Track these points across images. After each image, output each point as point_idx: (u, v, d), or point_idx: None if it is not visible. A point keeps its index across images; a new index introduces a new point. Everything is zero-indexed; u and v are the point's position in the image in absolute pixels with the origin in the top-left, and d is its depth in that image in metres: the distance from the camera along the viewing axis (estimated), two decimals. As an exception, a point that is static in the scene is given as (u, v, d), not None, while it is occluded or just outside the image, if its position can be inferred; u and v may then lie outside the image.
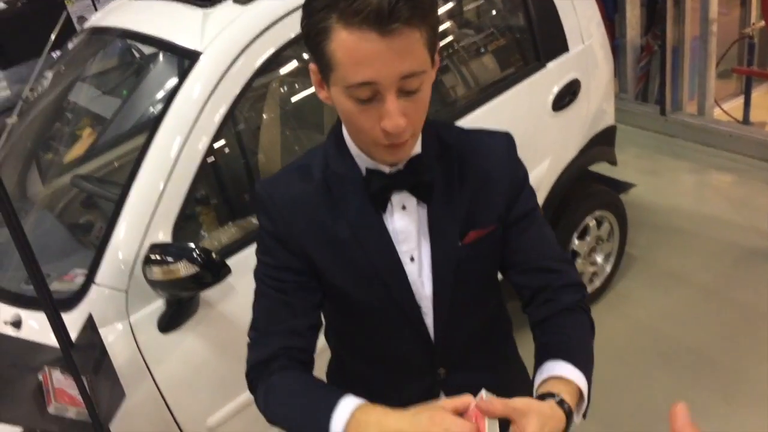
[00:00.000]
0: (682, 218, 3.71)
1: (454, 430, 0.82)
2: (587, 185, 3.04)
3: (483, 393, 0.88)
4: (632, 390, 2.74)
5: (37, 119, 2.71)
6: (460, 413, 0.86)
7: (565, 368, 1.01)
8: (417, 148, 1.06)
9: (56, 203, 2.54)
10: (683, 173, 4.19)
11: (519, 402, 0.88)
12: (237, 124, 2.95)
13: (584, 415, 1.03)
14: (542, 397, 0.96)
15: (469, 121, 2.44)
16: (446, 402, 0.87)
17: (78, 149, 2.86)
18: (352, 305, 1.12)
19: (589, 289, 3.18)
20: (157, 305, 1.82)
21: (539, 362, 1.06)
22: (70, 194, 2.55)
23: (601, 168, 3.21)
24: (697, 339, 2.91)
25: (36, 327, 1.78)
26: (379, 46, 0.86)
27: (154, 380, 1.81)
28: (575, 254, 3.03)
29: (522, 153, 2.84)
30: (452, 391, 1.19)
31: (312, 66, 0.99)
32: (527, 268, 1.15)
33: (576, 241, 3.00)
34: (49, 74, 2.73)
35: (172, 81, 2.14)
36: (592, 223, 3.03)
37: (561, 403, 0.95)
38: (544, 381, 1.01)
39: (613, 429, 2.58)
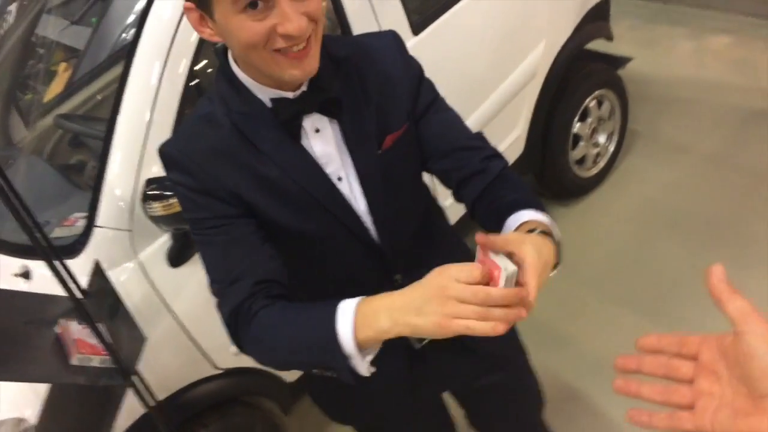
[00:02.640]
0: (683, 87, 3.63)
1: (462, 275, 0.81)
2: (584, 65, 2.94)
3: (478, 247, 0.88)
4: (643, 264, 2.76)
5: (8, 59, 2.59)
6: None
7: (530, 213, 1.01)
8: None
9: (44, 146, 2.46)
10: (680, 40, 4.06)
11: (512, 235, 0.91)
12: (216, 41, 2.83)
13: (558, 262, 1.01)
14: None
15: (458, 10, 2.32)
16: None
17: (56, 86, 2.76)
18: (298, 239, 1.09)
19: (594, 170, 3.15)
20: (164, 240, 1.79)
21: (498, 223, 1.05)
22: (57, 135, 2.47)
23: (596, 45, 3.09)
24: (705, 207, 2.91)
25: (48, 275, 1.75)
26: None
27: (173, 314, 1.81)
28: (577, 138, 2.97)
29: (516, 38, 2.74)
30: None
31: (186, 4, 0.94)
32: (446, 151, 1.15)
33: (577, 125, 2.94)
34: (12, 10, 2.58)
35: (141, 2, 2.02)
36: (592, 104, 2.95)
37: (545, 234, 0.95)
38: (516, 230, 0.99)
39: (628, 304, 2.62)
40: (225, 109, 1.04)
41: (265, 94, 1.02)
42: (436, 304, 0.82)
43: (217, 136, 1.03)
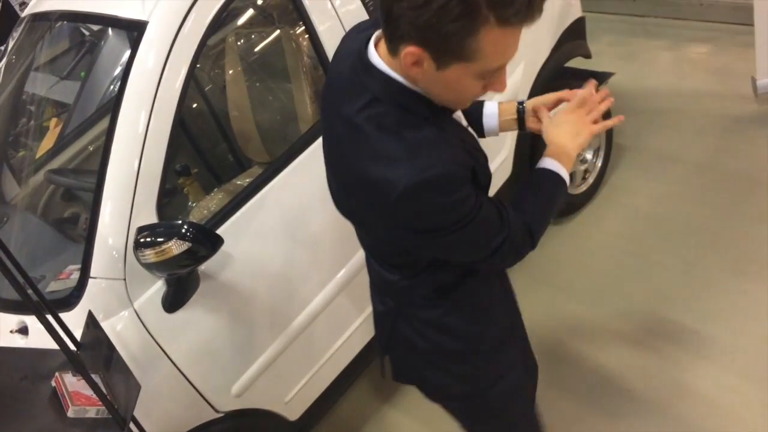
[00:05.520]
0: (665, 98, 3.67)
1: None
2: (565, 84, 2.95)
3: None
4: (639, 276, 2.77)
5: (-1, 118, 2.63)
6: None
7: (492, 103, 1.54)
8: None
9: (37, 202, 2.49)
10: (660, 52, 4.12)
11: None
12: (202, 86, 2.87)
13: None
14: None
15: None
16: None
17: (47, 141, 2.79)
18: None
19: (583, 187, 3.17)
20: (158, 286, 1.81)
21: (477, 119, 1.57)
22: (49, 190, 2.50)
23: (576, 62, 3.14)
24: (698, 216, 2.93)
25: (44, 330, 1.76)
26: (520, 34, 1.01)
27: (171, 360, 1.82)
28: (564, 155, 3.00)
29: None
30: None
31: (413, 50, 0.98)
32: None
33: (563, 142, 2.96)
34: (0, 69, 2.62)
35: (127, 54, 2.06)
36: (576, 121, 2.98)
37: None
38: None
39: (625, 317, 2.62)
40: (418, 121, 1.10)
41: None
42: (581, 126, 1.42)
43: (440, 140, 1.10)
